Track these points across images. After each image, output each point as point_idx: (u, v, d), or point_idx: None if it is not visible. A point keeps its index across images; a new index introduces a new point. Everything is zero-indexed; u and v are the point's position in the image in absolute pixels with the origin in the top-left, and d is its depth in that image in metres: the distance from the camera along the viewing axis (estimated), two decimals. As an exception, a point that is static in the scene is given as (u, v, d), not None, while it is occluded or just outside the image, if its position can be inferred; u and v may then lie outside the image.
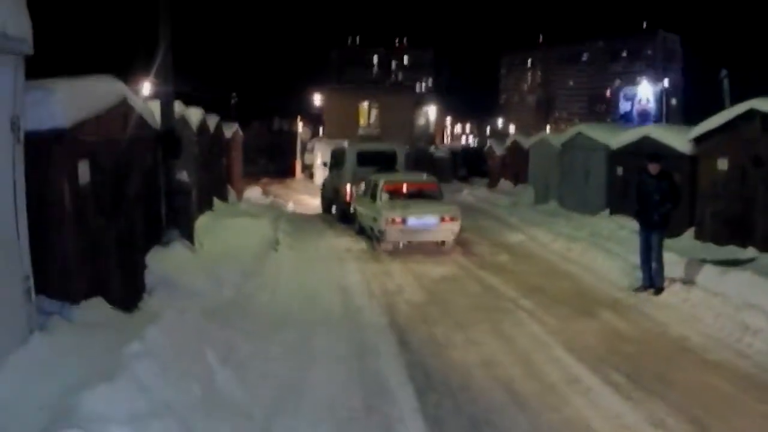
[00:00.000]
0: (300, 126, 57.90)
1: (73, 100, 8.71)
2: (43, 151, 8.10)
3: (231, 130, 28.63)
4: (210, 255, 13.74)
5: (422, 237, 18.09)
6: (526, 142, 33.07)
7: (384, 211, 17.79)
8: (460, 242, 19.18)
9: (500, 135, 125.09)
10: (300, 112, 59.46)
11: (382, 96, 55.69)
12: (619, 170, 21.86)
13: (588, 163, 24.27)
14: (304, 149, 52.50)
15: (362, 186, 21.42)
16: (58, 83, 8.72)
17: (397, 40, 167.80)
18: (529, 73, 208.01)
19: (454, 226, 17.88)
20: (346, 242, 20.14)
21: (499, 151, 37.66)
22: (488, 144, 41.54)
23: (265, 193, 37.41)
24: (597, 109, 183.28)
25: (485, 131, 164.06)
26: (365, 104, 54.13)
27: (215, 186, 23.29)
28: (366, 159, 24.76)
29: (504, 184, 35.64)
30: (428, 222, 17.68)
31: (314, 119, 62.57)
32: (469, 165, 49.62)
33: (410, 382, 8.42)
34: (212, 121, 23.57)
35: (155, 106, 13.73)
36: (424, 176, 22.00)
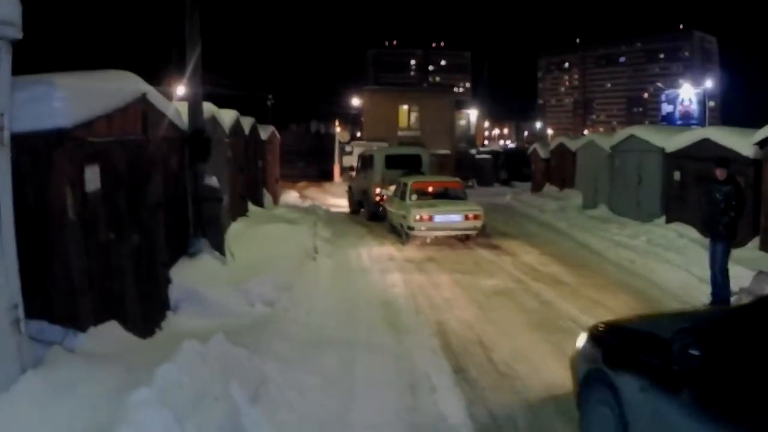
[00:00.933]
0: (338, 128, 56.68)
1: (80, 96, 7.53)
2: (42, 155, 6.97)
3: (267, 132, 27.44)
4: (241, 266, 12.49)
5: (448, 232, 19.29)
6: (573, 145, 31.54)
7: (413, 209, 18.93)
8: (509, 250, 18.35)
9: (538, 138, 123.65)
10: (338, 115, 58.31)
11: (421, 97, 54.16)
12: (676, 174, 20.38)
13: (641, 166, 22.83)
14: (342, 152, 51.27)
15: (391, 187, 22.87)
16: (62, 77, 7.57)
17: (434, 43, 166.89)
18: (567, 76, 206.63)
19: (477, 223, 19.02)
20: (388, 250, 18.96)
21: (543, 153, 36.11)
22: (532, 147, 39.92)
23: (303, 197, 36.33)
24: (635, 111, 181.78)
25: (522, 134, 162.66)
26: (405, 106, 52.68)
27: (250, 190, 22.13)
28: (393, 162, 26.09)
29: (549, 188, 34.09)
30: (453, 218, 19.01)
31: (352, 121, 61.38)
32: (511, 168, 48.10)
33: (471, 423, 7.12)
34: (247, 122, 22.42)
35: (183, 107, 12.54)
36: (449, 178, 24.34)
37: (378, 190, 25.28)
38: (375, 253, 18.40)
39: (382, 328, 10.94)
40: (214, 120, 15.32)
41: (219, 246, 12.57)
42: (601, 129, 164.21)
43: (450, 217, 19.00)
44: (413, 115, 52.52)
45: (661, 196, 21.36)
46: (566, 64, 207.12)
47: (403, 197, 20.27)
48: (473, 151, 51.82)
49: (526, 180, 43.77)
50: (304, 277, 13.65)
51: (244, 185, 20.72)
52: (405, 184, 20.60)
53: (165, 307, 10.34)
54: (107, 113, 8.29)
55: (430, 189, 20.77)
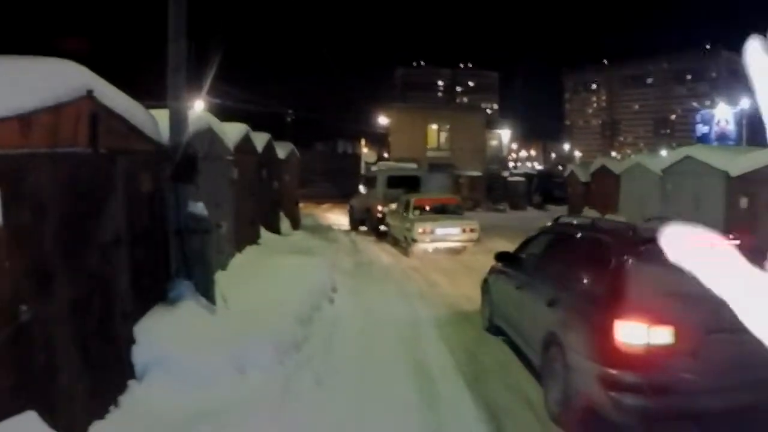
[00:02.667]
0: (364, 148, 53.76)
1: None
2: None
3: (285, 150, 24.65)
4: (236, 316, 9.62)
5: (447, 244, 20.96)
6: (617, 167, 28.62)
7: (416, 223, 21.03)
8: None
9: (566, 160, 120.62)
10: (364, 134, 55.42)
11: (452, 116, 51.09)
12: (743, 201, 17.59)
13: (699, 191, 19.95)
14: (368, 172, 48.32)
15: (392, 205, 25.10)
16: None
17: (461, 63, 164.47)
18: (594, 97, 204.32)
19: (473, 235, 21.02)
20: (418, 285, 16.35)
21: (583, 176, 33.10)
22: (569, 169, 36.97)
23: (325, 220, 33.68)
24: (662, 132, 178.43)
25: (550, 156, 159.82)
26: (434, 125, 49.87)
27: (264, 215, 19.39)
28: (394, 182, 28.24)
29: (589, 212, 30.99)
30: (452, 231, 20.99)
31: (379, 141, 58.44)
32: (545, 191, 45.08)
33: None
34: (260, 139, 19.70)
35: (163, 115, 9.77)
36: (447, 195, 27.63)
37: (380, 207, 27.07)
38: (408, 290, 15.80)
39: (417, 408, 7.99)
40: (211, 133, 12.53)
41: (207, 289, 9.74)
42: (629, 151, 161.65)
43: (449, 230, 21.03)
44: (443, 135, 49.77)
45: (723, 225, 18.47)
46: (593, 85, 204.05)
47: (406, 213, 22.30)
48: (506, 173, 48.75)
49: (560, 204, 40.96)
50: (317, 328, 10.78)
51: (255, 209, 18.00)
52: (408, 201, 22.74)
53: (127, 374, 7.65)
54: (20, 115, 5.53)
55: (431, 205, 22.98)
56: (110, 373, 7.32)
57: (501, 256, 11.24)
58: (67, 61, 6.87)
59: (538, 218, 34.18)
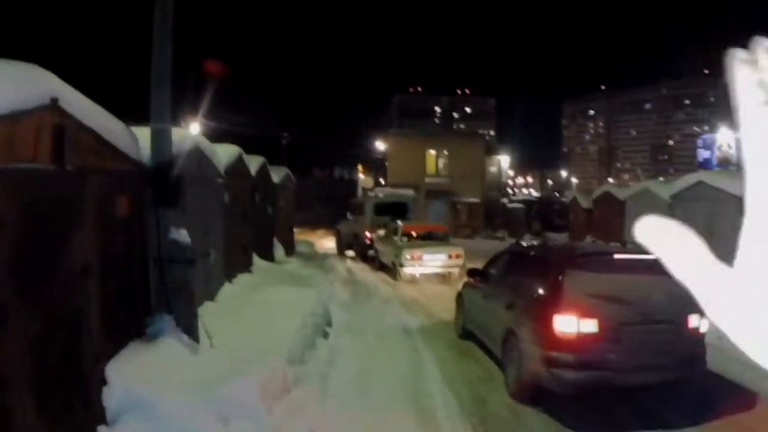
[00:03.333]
0: (361, 174, 52.80)
1: None
2: None
3: (280, 174, 23.75)
4: (221, 355, 8.67)
5: (434, 269, 21.69)
6: (622, 193, 27.69)
7: (404, 249, 21.92)
8: None
9: (563, 186, 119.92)
10: (361, 159, 54.52)
11: (450, 142, 49.95)
12: (761, 227, 16.53)
13: (713, 218, 18.95)
14: (366, 198, 47.43)
15: (380, 231, 26.17)
16: None
17: (458, 89, 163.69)
18: (592, 123, 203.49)
19: (459, 261, 21.49)
20: (418, 319, 15.49)
21: (585, 203, 32.20)
22: (572, 195, 36.09)
23: (321, 246, 32.77)
24: (660, 158, 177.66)
25: (547, 183, 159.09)
26: (432, 151, 48.91)
27: (258, 241, 18.47)
28: (382, 209, 29.54)
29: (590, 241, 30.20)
30: (439, 257, 21.68)
31: (376, 167, 57.49)
32: (543, 218, 44.13)
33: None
34: (254, 162, 18.81)
35: (147, 133, 8.86)
36: (434, 222, 30.19)
37: (368, 234, 28.15)
38: (408, 324, 14.91)
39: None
40: (199, 154, 11.61)
41: (189, 325, 8.82)
42: (627, 177, 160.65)
43: (436, 256, 21.74)
44: (441, 161, 48.74)
45: (740, 253, 17.51)
46: (591, 112, 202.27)
47: (395, 239, 23.42)
48: (504, 200, 47.77)
49: (559, 231, 40.08)
50: (311, 368, 9.83)
51: (247, 236, 17.08)
52: (396, 228, 23.84)
53: (97, 419, 6.72)
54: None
55: (419, 232, 24.03)
56: (76, 418, 6.42)
57: (471, 272, 13.26)
58: (30, 65, 5.99)
59: (539, 246, 33.44)
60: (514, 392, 9.54)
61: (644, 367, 8.59)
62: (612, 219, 27.94)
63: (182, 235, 8.83)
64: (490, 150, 54.74)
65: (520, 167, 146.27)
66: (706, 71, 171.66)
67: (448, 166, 48.34)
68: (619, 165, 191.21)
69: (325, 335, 12.20)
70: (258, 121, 50.81)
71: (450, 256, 21.78)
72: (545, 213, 45.35)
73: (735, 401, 8.98)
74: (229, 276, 14.29)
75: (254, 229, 18.06)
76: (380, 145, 53.05)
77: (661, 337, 8.65)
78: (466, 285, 13.77)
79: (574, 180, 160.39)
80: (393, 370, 10.74)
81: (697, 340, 8.86)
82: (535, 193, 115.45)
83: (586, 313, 8.58)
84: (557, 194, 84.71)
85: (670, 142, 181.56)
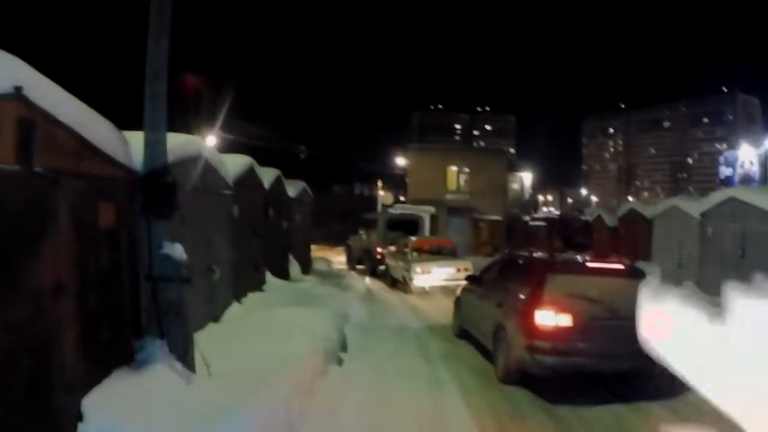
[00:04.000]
0: (380, 190, 51.65)
1: None
2: None
3: (296, 188, 22.80)
4: (219, 386, 7.58)
5: (443, 282, 22.00)
6: (649, 211, 26.46)
7: (414, 264, 22.80)
8: None
9: (582, 205, 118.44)
10: (381, 176, 53.37)
11: (471, 158, 49.13)
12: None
13: (745, 236, 17.98)
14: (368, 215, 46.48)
15: (391, 247, 26.73)
16: None
17: (479, 107, 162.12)
18: (611, 141, 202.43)
19: (467, 274, 19.64)
20: (439, 343, 14.47)
21: (610, 221, 30.98)
22: (595, 213, 34.87)
23: (338, 263, 32.06)
24: (679, 176, 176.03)
25: (566, 201, 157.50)
26: (453, 167, 47.77)
27: (270, 258, 17.53)
28: (394, 225, 30.20)
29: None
30: (448, 270, 22.25)
31: (396, 183, 56.35)
32: (565, 236, 42.72)
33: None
34: (268, 175, 17.89)
35: (139, 137, 7.89)
36: (443, 237, 30.47)
37: (379, 249, 28.63)
38: (429, 349, 13.82)
39: None
40: (203, 162, 10.64)
41: (184, 351, 7.79)
42: (646, 195, 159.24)
43: (445, 270, 22.46)
44: (462, 177, 47.62)
45: (777, 271, 16.42)
46: (611, 130, 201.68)
47: (405, 253, 24.20)
48: (526, 218, 46.42)
49: (581, 250, 38.75)
50: (320, 401, 8.71)
51: (259, 252, 16.13)
52: (407, 243, 24.76)
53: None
54: None
55: (429, 247, 24.85)
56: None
57: (469, 278, 15.28)
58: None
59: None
60: (503, 377, 11.21)
61: (610, 355, 10.18)
62: (638, 237, 26.81)
63: (177, 250, 7.83)
64: (513, 166, 53.47)
65: (540, 185, 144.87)
66: (725, 89, 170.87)
67: (470, 183, 47.42)
68: (638, 183, 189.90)
69: (339, 361, 11.13)
70: (277, 136, 50.10)
71: (458, 270, 22.16)
72: (567, 231, 44.01)
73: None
74: (238, 295, 13.33)
75: (267, 245, 17.14)
76: (400, 161, 51.99)
77: (625, 330, 9.44)
78: (463, 290, 15.41)
79: (593, 198, 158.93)
80: (411, 405, 9.56)
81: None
82: (554, 211, 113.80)
83: (562, 309, 10.33)
84: (578, 212, 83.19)
85: (689, 160, 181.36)
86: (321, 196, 51.02)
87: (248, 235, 14.86)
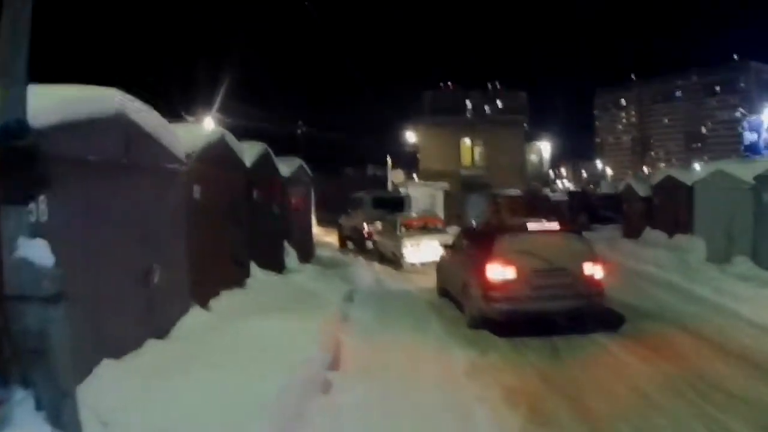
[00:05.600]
0: (390, 169, 48.20)
1: None
2: None
3: (291, 167, 19.66)
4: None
5: (432, 257, 20.21)
6: (688, 177, 23.25)
7: (404, 239, 22.67)
8: (663, 348, 10.95)
9: (598, 178, 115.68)
10: (392, 154, 50.06)
11: (486, 130, 45.91)
12: None
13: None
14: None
15: (378, 224, 26.67)
16: None
17: (489, 83, 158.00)
18: (623, 113, 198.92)
19: None
20: (469, 358, 10.65)
21: (642, 190, 27.71)
22: (625, 183, 31.55)
23: (344, 249, 29.62)
24: (693, 147, 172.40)
25: (581, 175, 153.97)
26: (467, 140, 44.69)
27: (258, 248, 14.56)
28: (379, 203, 30.58)
29: (651, 234, 25.45)
30: (437, 245, 20.01)
31: (408, 161, 53.14)
32: (590, 210, 39.46)
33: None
34: (251, 151, 14.92)
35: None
36: (430, 213, 28.84)
37: (366, 226, 28.55)
38: (453, 368, 9.98)
39: None
40: (125, 124, 7.56)
41: (57, 408, 4.82)
42: (663, 165, 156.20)
43: (435, 244, 20.86)
44: (477, 151, 44.54)
45: None
46: (623, 101, 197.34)
47: (394, 230, 24.00)
48: (547, 192, 43.01)
49: (606, 223, 35.72)
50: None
51: (241, 241, 13.19)
52: (395, 220, 24.64)
53: None
54: None
55: (417, 224, 24.66)
56: None
57: (446, 246, 16.65)
58: None
59: (591, 240, 29.04)
60: (469, 323, 12.77)
61: (550, 299, 11.82)
62: (677, 208, 23.55)
63: (37, 250, 4.85)
64: (530, 137, 49.94)
65: (554, 159, 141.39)
66: (736, 56, 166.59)
67: (485, 156, 44.51)
68: (653, 154, 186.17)
69: (326, 388, 8.04)
70: (286, 120, 47.05)
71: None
72: (589, 204, 40.75)
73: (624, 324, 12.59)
74: (205, 297, 10.35)
75: (253, 233, 14.18)
76: (411, 138, 48.69)
77: (562, 279, 11.90)
78: (442, 256, 16.90)
79: (608, 171, 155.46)
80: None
81: (592, 282, 12.21)
82: (568, 185, 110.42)
83: (507, 264, 11.87)
84: (591, 186, 79.87)
85: (703, 130, 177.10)
86: (333, 179, 48.23)
87: (221, 222, 11.90)
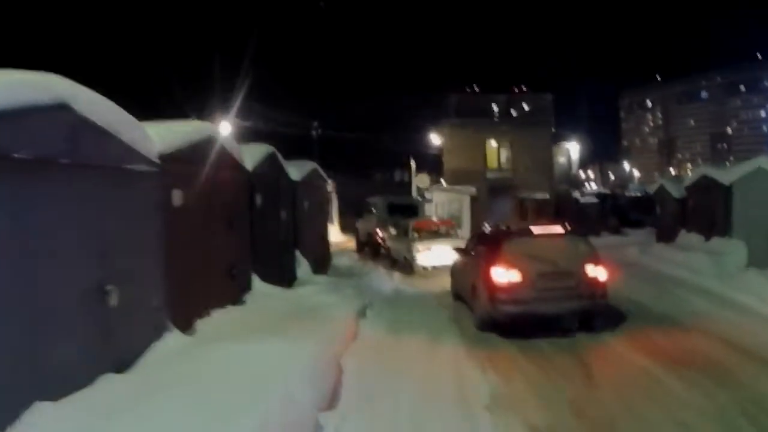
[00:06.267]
0: (414, 173, 46.43)
1: None
2: None
3: (303, 170, 18.14)
4: None
5: (443, 261, 20.51)
6: (725, 176, 21.56)
7: (415, 243, 22.78)
8: (692, 360, 9.76)
9: (625, 180, 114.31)
10: (416, 157, 48.35)
11: (512, 132, 44.04)
12: None
13: None
14: (422, 199, 41.57)
15: (391, 229, 26.27)
16: None
17: (514, 86, 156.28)
18: (649, 115, 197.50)
19: None
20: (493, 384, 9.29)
21: (676, 192, 25.92)
22: (657, 184, 29.69)
23: (363, 258, 27.64)
24: (718, 147, 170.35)
25: (608, 177, 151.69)
26: (493, 142, 42.91)
27: (261, 258, 13.23)
28: (394, 209, 30.13)
29: (687, 237, 23.65)
30: (448, 249, 19.96)
31: (433, 165, 51.45)
32: (619, 213, 37.63)
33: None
34: (254, 153, 13.57)
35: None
36: (439, 218, 30.28)
37: (379, 231, 28.21)
38: (471, 399, 8.38)
39: None
40: (69, 115, 6.20)
41: None
42: (690, 167, 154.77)
43: (445, 248, 20.84)
44: (504, 153, 42.64)
45: None
46: (648, 103, 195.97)
47: (406, 235, 23.96)
48: (576, 195, 41.11)
49: (637, 227, 34.07)
50: None
51: (241, 251, 11.82)
52: (407, 225, 24.58)
53: None
54: None
55: (427, 228, 24.77)
56: None
57: (457, 250, 16.97)
58: None
59: (622, 244, 27.45)
60: (477, 325, 12.89)
61: (554, 301, 12.05)
62: (713, 209, 21.79)
63: None
64: (558, 138, 47.96)
65: (580, 162, 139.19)
66: (759, 56, 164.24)
67: (512, 159, 42.58)
68: (679, 156, 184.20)
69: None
70: (305, 122, 45.88)
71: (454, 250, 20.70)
72: (620, 207, 38.89)
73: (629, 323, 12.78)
74: (185, 319, 8.92)
75: (256, 242, 12.82)
76: (435, 139, 46.92)
77: (566, 281, 12.14)
78: (454, 261, 16.99)
79: (636, 173, 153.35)
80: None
81: (595, 284, 12.37)
82: (595, 188, 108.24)
83: (513, 267, 12.10)
84: (620, 189, 77.81)
85: (729, 130, 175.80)
86: (362, 185, 47.20)
87: (213, 230, 10.54)
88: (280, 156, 15.49)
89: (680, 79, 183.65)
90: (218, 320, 9.80)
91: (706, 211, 22.48)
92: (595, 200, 37.86)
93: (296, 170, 17.29)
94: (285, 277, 14.86)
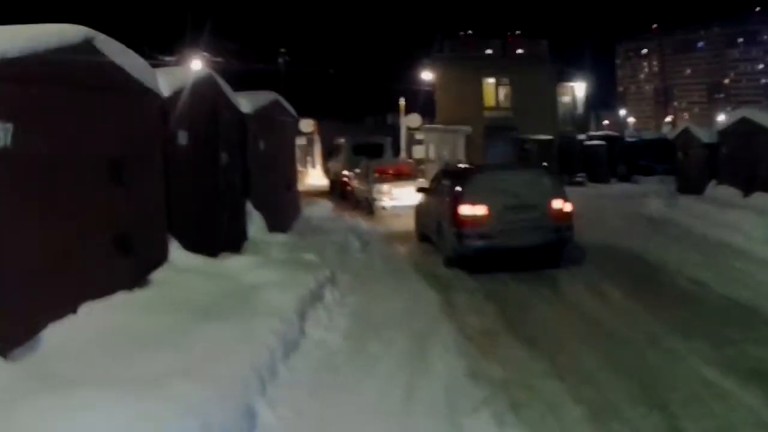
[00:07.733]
0: (403, 113, 42.37)
1: None
2: None
3: (259, 101, 14.00)
4: None
5: (403, 203, 21.10)
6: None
7: (376, 185, 23.29)
8: None
9: (621, 126, 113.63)
10: (406, 98, 44.49)
11: (512, 68, 40.36)
12: None
13: None
14: (412, 141, 39.80)
15: (357, 170, 26.82)
16: None
17: (509, 32, 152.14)
18: (645, 62, 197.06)
19: None
20: None
21: (706, 137, 22.16)
22: (681, 128, 25.85)
23: (339, 210, 23.89)
24: (716, 97, 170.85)
25: (602, 123, 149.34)
26: (490, 79, 39.32)
27: (190, 216, 9.70)
28: (359, 150, 30.00)
29: (718, 190, 20.02)
30: (407, 191, 20.87)
31: (426, 106, 47.57)
32: (629, 160, 33.74)
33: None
34: (175, 73, 9.87)
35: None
36: (402, 161, 30.60)
37: (345, 172, 29.02)
38: None
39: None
40: None
41: None
42: (686, 115, 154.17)
43: (405, 191, 21.51)
44: (502, 91, 39.54)
45: None
46: (644, 51, 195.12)
47: (367, 177, 24.37)
48: (582, 137, 37.35)
49: (648, 174, 30.54)
50: None
51: (135, 213, 8.07)
52: (368, 167, 24.90)
53: None
54: None
55: (389, 170, 24.74)
56: None
57: (420, 189, 17.40)
58: None
59: (637, 194, 23.95)
60: (444, 261, 13.35)
61: (520, 235, 12.16)
62: (754, 157, 18.18)
63: None
64: (562, 76, 44.02)
65: (586, 102, 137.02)
66: (758, 9, 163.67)
67: (511, 97, 39.31)
68: (675, 104, 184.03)
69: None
70: (297, 63, 42.76)
71: (418, 190, 20.40)
72: (628, 152, 35.04)
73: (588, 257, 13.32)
74: (18, 326, 5.32)
75: (177, 197, 9.13)
76: (428, 76, 42.91)
77: (531, 215, 12.28)
78: (418, 201, 17.06)
79: (631, 119, 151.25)
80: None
81: (561, 216, 12.62)
82: (593, 133, 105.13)
83: (478, 202, 12.27)
84: (616, 134, 74.28)
85: (726, 81, 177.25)
86: (353, 128, 45.09)
87: (83, 184, 6.85)
88: (220, 79, 11.64)
89: (678, 30, 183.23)
90: (81, 326, 6.12)
91: (744, 161, 18.84)
92: (602, 143, 34.21)
93: (248, 101, 13.41)
94: (227, 240, 11.15)
